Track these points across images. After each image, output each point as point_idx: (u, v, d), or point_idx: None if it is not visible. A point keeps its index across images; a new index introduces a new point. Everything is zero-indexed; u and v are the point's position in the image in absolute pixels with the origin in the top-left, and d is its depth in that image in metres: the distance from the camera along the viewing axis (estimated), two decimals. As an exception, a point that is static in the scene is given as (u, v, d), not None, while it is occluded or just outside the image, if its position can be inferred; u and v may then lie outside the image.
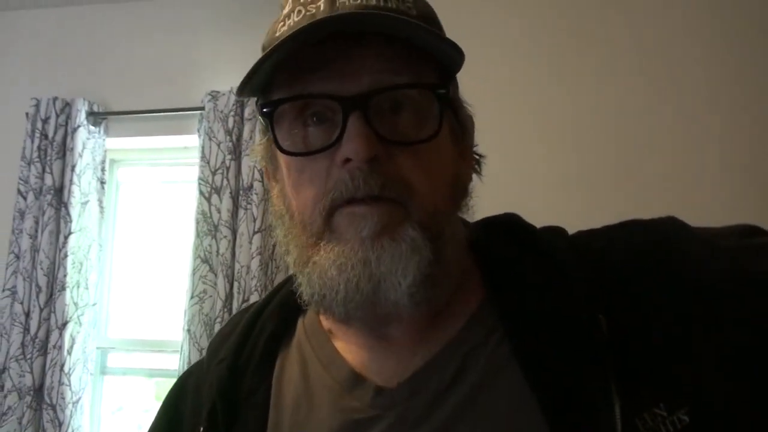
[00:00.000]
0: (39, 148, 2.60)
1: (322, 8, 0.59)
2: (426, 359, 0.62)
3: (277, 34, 0.62)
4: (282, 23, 0.62)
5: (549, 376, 0.57)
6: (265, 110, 0.61)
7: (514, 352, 0.59)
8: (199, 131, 2.56)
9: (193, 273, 2.42)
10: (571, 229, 0.69)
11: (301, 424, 0.64)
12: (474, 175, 0.69)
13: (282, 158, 0.63)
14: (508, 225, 0.69)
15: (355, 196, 0.57)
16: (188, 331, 2.36)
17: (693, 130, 2.03)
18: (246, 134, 2.47)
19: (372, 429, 0.61)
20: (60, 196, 2.56)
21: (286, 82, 0.60)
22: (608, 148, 2.08)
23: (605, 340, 0.57)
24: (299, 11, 0.61)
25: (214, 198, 2.46)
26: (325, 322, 0.69)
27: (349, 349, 0.66)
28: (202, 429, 0.65)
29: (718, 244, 0.62)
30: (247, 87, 0.61)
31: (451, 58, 0.62)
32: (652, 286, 0.59)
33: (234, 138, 2.48)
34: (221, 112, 2.50)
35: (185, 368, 2.28)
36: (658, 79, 2.08)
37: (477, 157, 0.70)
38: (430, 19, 0.64)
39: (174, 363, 2.49)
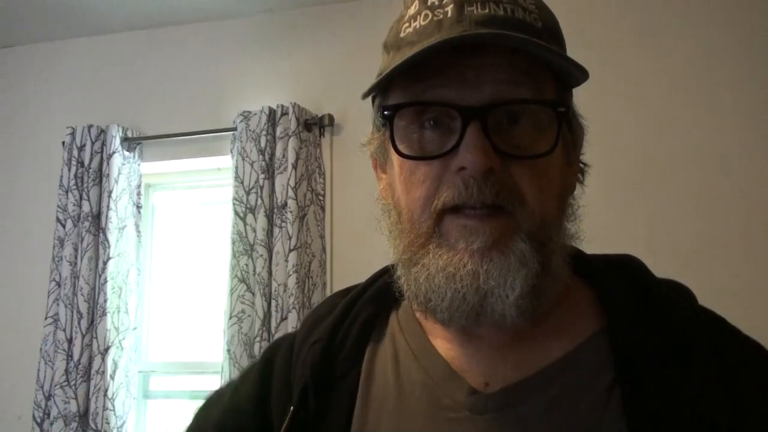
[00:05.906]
0: (76, 175, 2.63)
1: (449, 14, 0.60)
2: (526, 373, 0.62)
3: (402, 35, 0.63)
4: (407, 24, 0.63)
5: None
6: (386, 113, 0.63)
7: (624, 402, 0.59)
8: (231, 152, 2.57)
9: (231, 293, 2.42)
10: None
11: (389, 414, 0.64)
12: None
13: (395, 156, 0.64)
14: (629, 268, 0.69)
15: (467, 202, 0.58)
16: (228, 351, 2.36)
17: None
18: (278, 153, 2.46)
19: (464, 430, 0.61)
20: (98, 223, 2.58)
21: (406, 85, 0.62)
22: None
23: (722, 420, 0.56)
24: (426, 15, 0.62)
25: (249, 217, 2.46)
26: (419, 316, 0.69)
27: (440, 343, 0.66)
28: (292, 408, 0.66)
29: None
30: (373, 90, 0.64)
31: (573, 75, 0.62)
32: None
33: (267, 157, 2.48)
34: (253, 131, 2.51)
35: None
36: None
37: (582, 165, 0.71)
38: (554, 31, 0.65)
39: (215, 384, 2.49)
